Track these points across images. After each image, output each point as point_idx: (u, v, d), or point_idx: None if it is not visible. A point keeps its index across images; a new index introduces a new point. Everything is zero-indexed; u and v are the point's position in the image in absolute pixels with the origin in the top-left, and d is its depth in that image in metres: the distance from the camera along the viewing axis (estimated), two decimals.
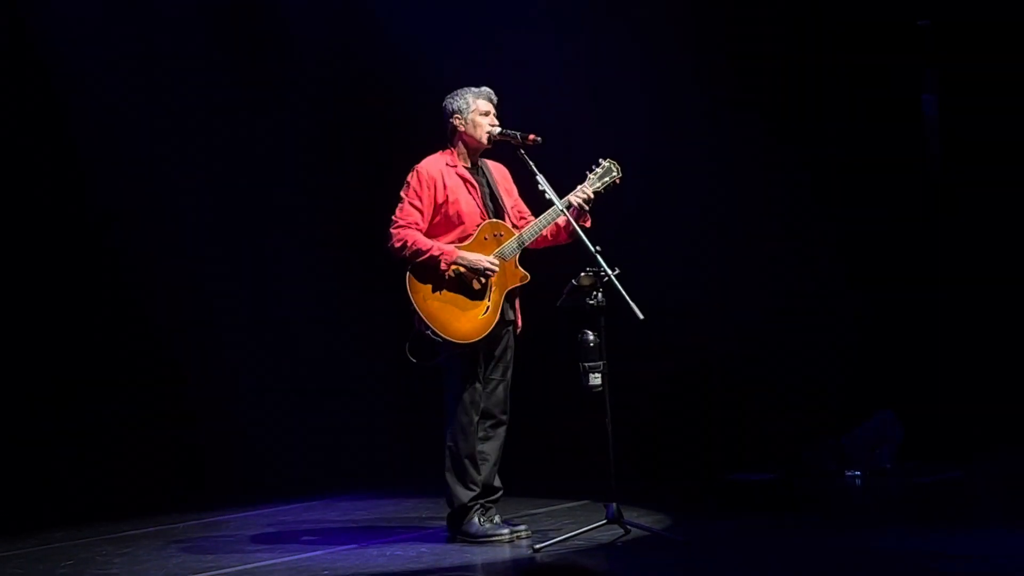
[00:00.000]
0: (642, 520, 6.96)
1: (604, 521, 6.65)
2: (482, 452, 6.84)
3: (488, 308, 6.75)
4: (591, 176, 6.87)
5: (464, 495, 6.79)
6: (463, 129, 6.89)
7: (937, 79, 8.91)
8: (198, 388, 9.45)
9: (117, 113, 9.23)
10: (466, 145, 6.91)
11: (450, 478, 6.80)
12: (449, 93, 6.94)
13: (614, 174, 6.90)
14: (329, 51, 9.64)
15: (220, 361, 9.52)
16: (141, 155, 9.33)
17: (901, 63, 8.92)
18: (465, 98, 6.88)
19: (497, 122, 6.89)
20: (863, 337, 9.02)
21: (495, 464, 6.88)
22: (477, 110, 6.88)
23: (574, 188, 6.82)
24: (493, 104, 6.91)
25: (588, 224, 6.80)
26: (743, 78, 9.34)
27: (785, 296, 9.28)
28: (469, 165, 6.92)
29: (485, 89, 6.93)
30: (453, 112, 6.88)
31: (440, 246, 6.71)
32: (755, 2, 9.28)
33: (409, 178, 6.84)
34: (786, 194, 9.29)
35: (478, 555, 6.58)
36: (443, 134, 6.94)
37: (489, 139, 6.88)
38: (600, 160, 6.91)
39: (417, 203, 6.78)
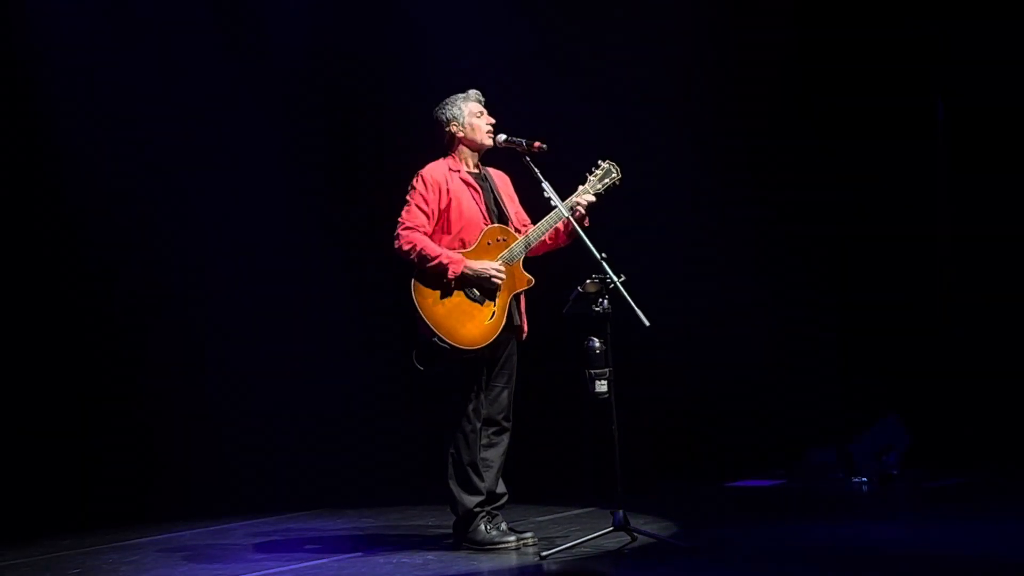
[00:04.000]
0: (649, 527, 6.95)
1: (611, 528, 6.64)
2: (485, 459, 6.84)
3: (495, 313, 6.75)
4: (591, 178, 6.87)
5: (469, 502, 6.78)
6: (462, 135, 6.90)
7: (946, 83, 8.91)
8: (203, 395, 9.46)
9: (113, 115, 9.24)
10: (468, 149, 6.92)
11: (453, 486, 6.79)
12: (438, 104, 6.95)
13: (614, 175, 6.90)
14: (333, 51, 9.64)
15: (227, 368, 9.52)
16: (140, 159, 9.34)
17: (912, 68, 8.91)
18: (457, 104, 6.91)
19: (492, 119, 6.91)
20: (865, 340, 9.01)
21: (499, 471, 6.87)
22: (471, 113, 6.90)
23: (574, 191, 6.84)
24: (482, 103, 6.93)
25: (586, 223, 6.80)
26: (744, 83, 9.36)
27: (788, 300, 9.28)
28: (472, 170, 6.93)
29: (472, 91, 6.96)
30: (449, 120, 6.90)
31: (448, 254, 6.71)
32: (757, 6, 9.29)
33: (414, 182, 6.84)
34: (791, 199, 9.29)
35: (484, 562, 6.58)
36: (441, 144, 6.95)
37: (493, 142, 6.90)
38: (599, 161, 6.91)
39: (423, 206, 6.79)
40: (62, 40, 9.04)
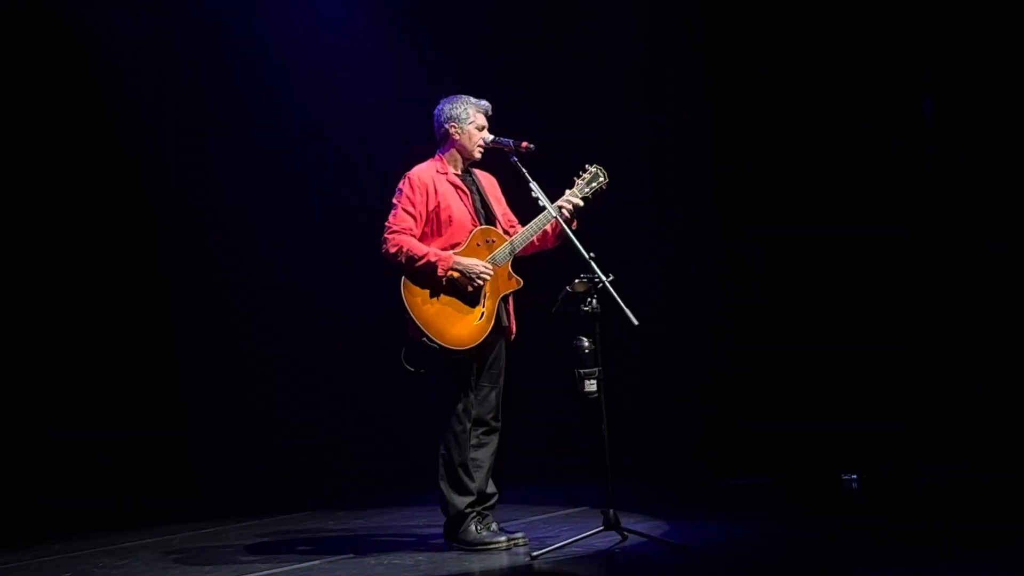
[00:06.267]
0: (639, 526, 6.96)
1: (601, 527, 6.65)
2: (475, 459, 6.85)
3: (483, 314, 6.76)
4: (579, 182, 6.88)
5: (459, 503, 6.79)
6: (457, 138, 6.90)
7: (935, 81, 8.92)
8: (196, 399, 9.46)
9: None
10: (458, 153, 6.93)
11: (444, 486, 6.80)
12: (446, 97, 6.93)
13: (601, 179, 6.91)
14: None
15: (219, 371, 9.52)
16: (152, 163, 9.37)
17: (900, 65, 8.93)
18: (466, 108, 6.88)
19: (488, 137, 6.90)
20: (857, 340, 9.03)
21: (489, 471, 6.88)
22: (475, 123, 6.89)
23: (563, 194, 6.84)
24: (488, 117, 6.92)
25: (575, 226, 6.81)
26: (734, 79, 9.39)
27: (781, 301, 9.29)
28: (459, 172, 6.94)
29: (485, 103, 6.93)
30: (450, 118, 6.89)
31: (436, 252, 6.72)
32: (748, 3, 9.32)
33: (401, 185, 6.85)
34: (777, 197, 9.31)
35: (475, 563, 6.58)
36: (432, 136, 6.94)
37: (482, 150, 6.90)
38: (587, 166, 6.92)
39: (410, 209, 6.79)
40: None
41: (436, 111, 6.93)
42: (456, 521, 6.82)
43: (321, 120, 9.61)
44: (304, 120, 9.60)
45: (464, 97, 6.91)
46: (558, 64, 9.54)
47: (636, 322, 6.41)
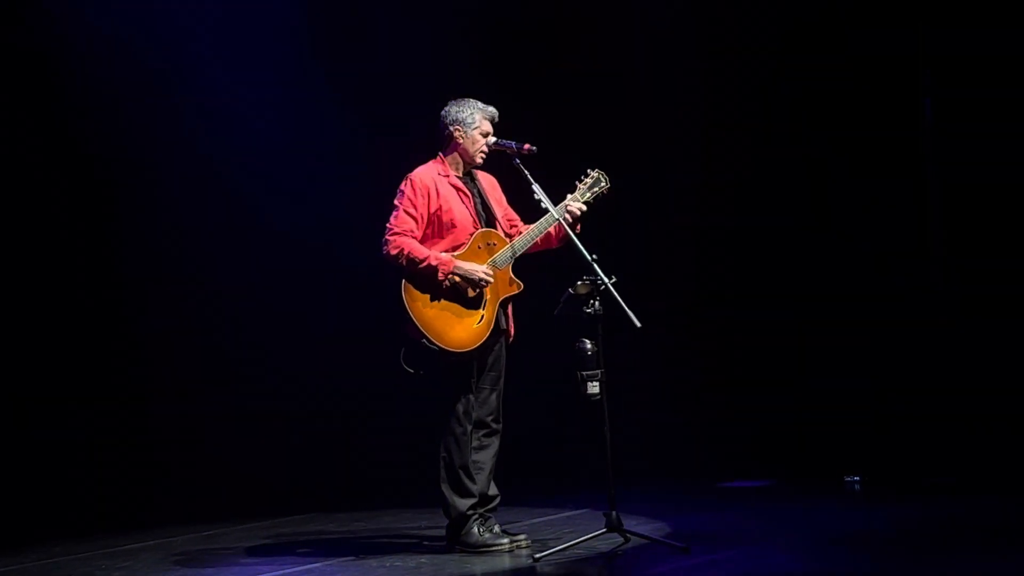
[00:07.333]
0: (642, 528, 6.95)
1: (604, 529, 6.64)
2: (476, 461, 6.84)
3: (483, 317, 6.76)
4: (580, 187, 6.88)
5: (461, 505, 6.78)
6: (461, 141, 6.89)
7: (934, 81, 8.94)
8: (196, 399, 9.45)
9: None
10: (460, 156, 6.92)
11: (445, 489, 6.80)
12: (454, 99, 6.92)
13: (603, 184, 6.90)
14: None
15: (219, 371, 9.52)
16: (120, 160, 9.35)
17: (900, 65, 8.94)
18: (472, 112, 6.87)
19: (491, 141, 6.89)
20: (854, 340, 9.03)
21: (490, 473, 6.88)
22: (480, 129, 6.88)
23: (563, 199, 6.84)
24: (494, 123, 6.91)
25: (578, 230, 6.80)
26: (732, 76, 9.40)
27: (775, 300, 9.29)
28: (461, 174, 6.93)
29: (492, 109, 6.92)
30: (455, 121, 6.88)
31: (437, 255, 6.71)
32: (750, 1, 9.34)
33: (403, 186, 6.84)
34: (779, 193, 9.31)
35: (478, 565, 6.57)
36: (437, 137, 6.93)
37: (484, 156, 6.89)
38: (588, 170, 6.91)
39: (412, 211, 6.78)
40: None
41: (442, 112, 6.92)
42: (458, 523, 6.81)
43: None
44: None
45: (471, 101, 6.90)
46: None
47: (639, 324, 6.40)
